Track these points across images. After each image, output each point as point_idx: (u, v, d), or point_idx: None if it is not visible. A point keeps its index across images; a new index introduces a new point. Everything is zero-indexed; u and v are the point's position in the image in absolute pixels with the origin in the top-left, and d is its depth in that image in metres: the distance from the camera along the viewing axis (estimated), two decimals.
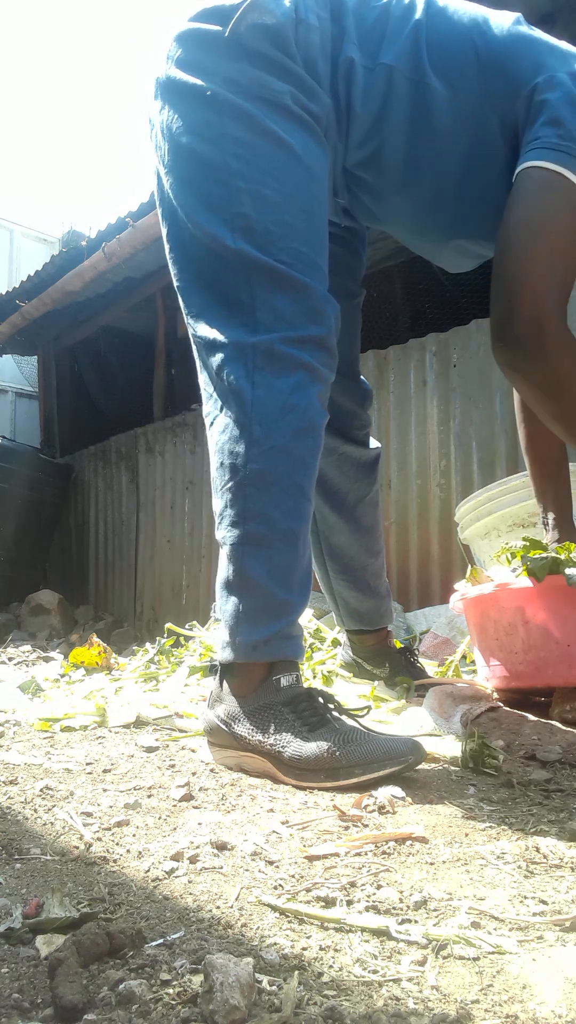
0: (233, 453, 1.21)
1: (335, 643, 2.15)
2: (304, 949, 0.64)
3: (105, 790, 1.12)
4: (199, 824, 0.95)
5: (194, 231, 1.25)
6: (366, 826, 0.94)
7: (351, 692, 1.73)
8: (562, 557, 1.43)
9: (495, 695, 1.61)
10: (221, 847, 0.87)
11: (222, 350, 1.22)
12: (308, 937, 0.66)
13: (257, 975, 0.59)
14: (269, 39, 1.22)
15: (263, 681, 1.20)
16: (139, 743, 1.41)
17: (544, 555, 1.45)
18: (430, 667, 1.94)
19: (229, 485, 1.21)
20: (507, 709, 1.50)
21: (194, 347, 1.29)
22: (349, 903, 0.72)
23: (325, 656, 2.04)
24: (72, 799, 1.07)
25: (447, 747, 1.26)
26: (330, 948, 0.64)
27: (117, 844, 0.89)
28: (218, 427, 1.24)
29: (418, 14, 1.30)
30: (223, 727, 1.22)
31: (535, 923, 0.68)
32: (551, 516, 1.64)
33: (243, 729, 1.19)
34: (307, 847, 0.86)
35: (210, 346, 1.24)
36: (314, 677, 1.86)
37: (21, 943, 0.65)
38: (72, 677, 2.42)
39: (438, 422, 3.61)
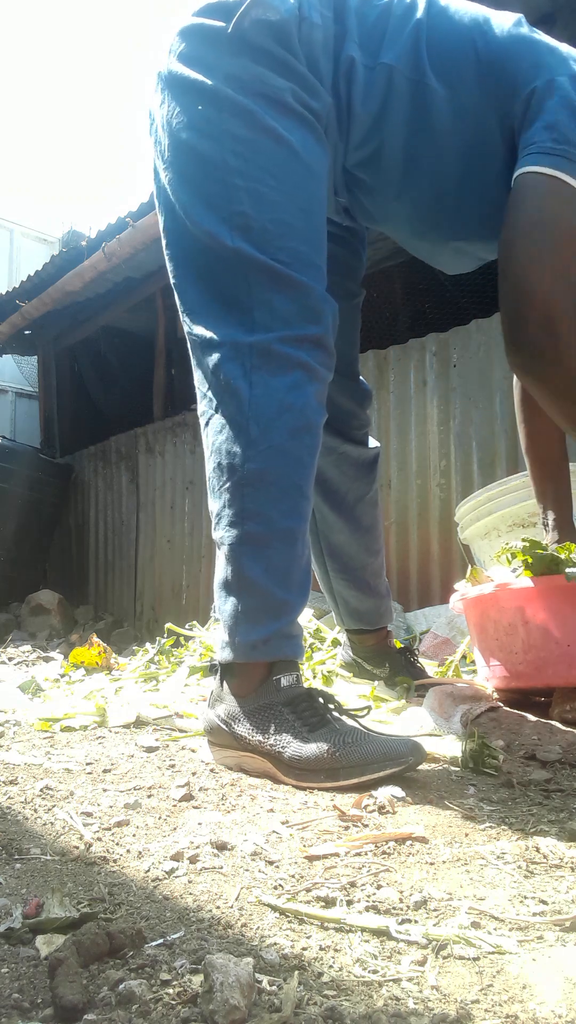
0: (230, 453, 1.20)
1: (335, 643, 2.15)
2: (304, 949, 0.64)
3: (105, 790, 1.12)
4: (199, 824, 0.95)
5: (192, 228, 1.24)
6: (366, 826, 0.94)
7: (351, 692, 1.73)
8: (562, 557, 1.43)
9: (495, 695, 1.61)
10: (221, 847, 0.87)
11: (218, 349, 1.22)
12: (308, 937, 0.66)
13: (257, 975, 0.59)
14: (272, 36, 1.22)
15: (263, 681, 1.20)
16: (139, 743, 1.41)
17: (544, 553, 1.45)
18: (430, 667, 1.94)
19: (227, 485, 1.21)
20: (507, 709, 1.50)
21: (189, 344, 1.29)
22: (349, 903, 0.72)
23: (325, 656, 2.04)
24: (72, 799, 1.07)
25: (447, 747, 1.26)
26: (330, 948, 0.64)
27: (117, 844, 0.89)
28: (214, 427, 1.24)
29: (419, 13, 1.30)
30: (223, 727, 1.22)
31: (535, 923, 0.68)
32: (551, 517, 1.64)
33: (243, 729, 1.19)
34: (307, 847, 0.86)
35: (206, 345, 1.24)
36: (314, 677, 1.86)
37: (21, 943, 0.65)
38: (72, 677, 2.42)
39: (438, 422, 3.61)
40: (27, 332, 6.71)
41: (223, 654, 1.23)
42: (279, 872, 0.80)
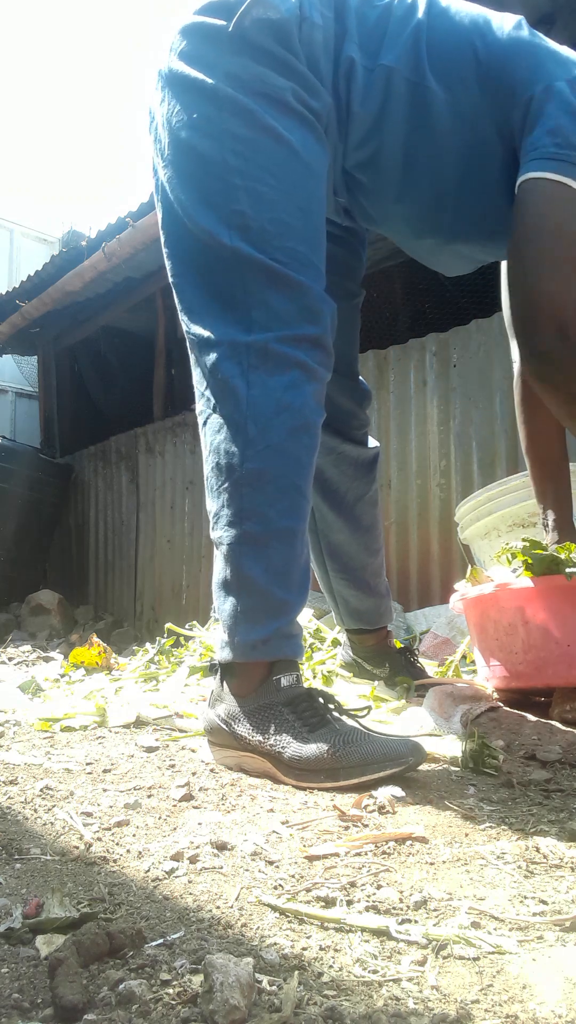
0: (228, 453, 1.20)
1: (335, 643, 2.15)
2: (304, 949, 0.64)
3: (105, 790, 1.12)
4: (199, 824, 0.95)
5: (190, 226, 1.24)
6: (366, 826, 0.94)
7: (351, 692, 1.73)
8: (562, 557, 1.43)
9: (495, 695, 1.61)
10: (221, 847, 0.87)
11: (216, 348, 1.22)
12: (308, 937, 0.66)
13: (257, 975, 0.59)
14: (272, 35, 1.22)
15: (263, 681, 1.20)
16: (139, 743, 1.41)
17: (544, 554, 1.45)
18: (430, 667, 1.94)
19: (225, 485, 1.21)
20: (507, 709, 1.50)
21: (188, 343, 1.29)
22: (349, 903, 0.72)
23: (325, 656, 2.04)
24: (72, 799, 1.07)
25: (447, 747, 1.26)
26: (330, 948, 0.64)
27: (117, 844, 0.89)
28: (212, 426, 1.24)
29: (419, 14, 1.30)
30: (223, 727, 1.22)
31: (535, 923, 0.68)
32: (551, 517, 1.64)
33: (243, 729, 1.19)
34: (307, 847, 0.86)
35: (204, 344, 1.24)
36: (314, 677, 1.86)
37: (21, 943, 0.65)
38: (72, 677, 2.42)
39: (438, 422, 3.61)
40: (35, 330, 6.70)
41: (222, 654, 1.23)
42: (279, 872, 0.80)
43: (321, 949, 0.64)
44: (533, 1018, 0.53)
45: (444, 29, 1.30)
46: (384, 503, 3.68)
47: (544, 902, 0.72)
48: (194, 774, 1.20)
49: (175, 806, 1.04)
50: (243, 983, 0.54)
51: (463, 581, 1.65)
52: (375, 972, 0.60)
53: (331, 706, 1.19)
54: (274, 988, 0.57)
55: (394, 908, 0.71)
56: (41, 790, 1.11)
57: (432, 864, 0.82)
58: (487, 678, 1.61)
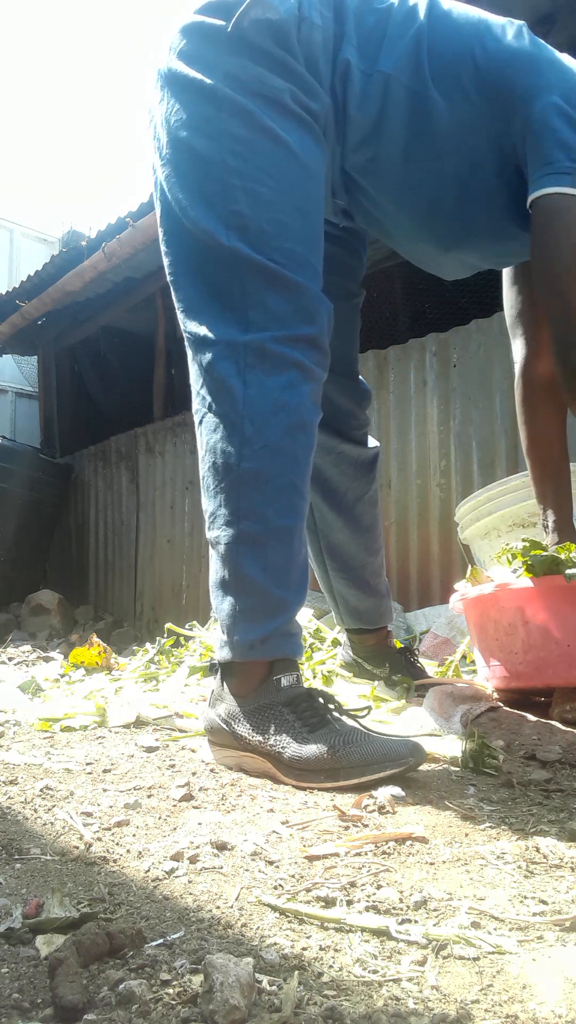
0: (225, 452, 1.20)
1: (335, 643, 2.15)
2: (304, 949, 0.64)
3: (105, 790, 1.12)
4: (199, 824, 0.95)
5: (188, 225, 1.25)
6: (366, 826, 0.94)
7: (351, 692, 1.73)
8: (562, 557, 1.43)
9: (495, 695, 1.61)
10: (221, 847, 0.87)
11: (213, 347, 1.22)
12: (308, 937, 0.66)
13: (257, 975, 0.59)
14: (271, 36, 1.22)
15: (263, 681, 1.20)
16: (139, 743, 1.41)
17: (544, 554, 1.45)
18: (430, 667, 1.94)
19: (222, 485, 1.21)
20: (507, 709, 1.50)
21: (185, 341, 1.29)
22: (349, 903, 0.72)
23: (325, 656, 2.04)
24: (72, 799, 1.07)
25: (447, 747, 1.26)
26: (330, 948, 0.64)
27: (117, 844, 0.89)
28: (208, 426, 1.24)
29: (420, 19, 1.30)
30: (224, 726, 1.22)
31: (535, 923, 0.68)
32: (551, 518, 1.64)
33: (243, 729, 1.19)
34: (307, 847, 0.86)
35: (201, 343, 1.24)
36: (314, 677, 1.86)
37: (21, 943, 0.65)
38: (72, 677, 2.42)
39: (438, 422, 3.61)
40: (27, 332, 6.70)
41: (222, 653, 1.23)
42: (279, 872, 0.80)
43: (321, 949, 0.64)
44: (533, 1018, 0.53)
45: (445, 36, 1.30)
46: (384, 503, 3.68)
47: (544, 902, 0.72)
48: (194, 774, 1.20)
49: (175, 806, 1.04)
50: (243, 983, 0.54)
51: (463, 581, 1.65)
52: (375, 972, 0.60)
53: (331, 706, 1.19)
54: (274, 988, 0.57)
55: (394, 908, 0.71)
56: (41, 790, 1.11)
57: (432, 864, 0.82)
58: (487, 678, 1.61)
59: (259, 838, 0.89)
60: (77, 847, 0.88)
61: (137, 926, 0.65)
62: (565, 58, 1.35)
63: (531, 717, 1.44)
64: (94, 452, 6.24)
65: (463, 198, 1.36)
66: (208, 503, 1.24)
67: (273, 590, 1.20)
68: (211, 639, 2.29)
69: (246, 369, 1.19)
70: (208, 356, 1.22)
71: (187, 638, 2.55)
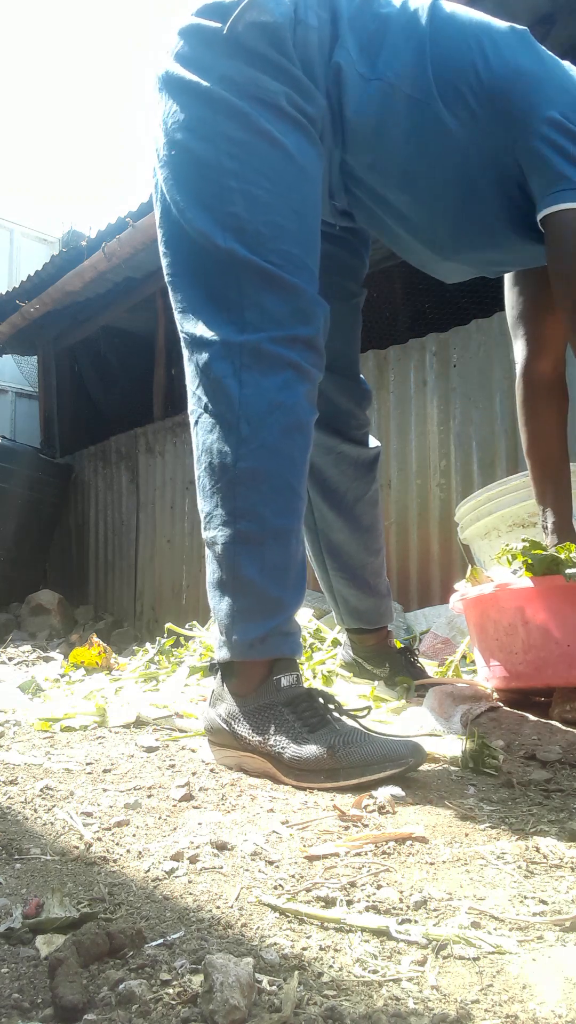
0: (221, 452, 1.21)
1: (335, 643, 2.15)
2: (304, 949, 0.64)
3: (105, 790, 1.12)
4: (199, 824, 0.95)
5: (186, 227, 1.25)
6: (366, 826, 0.94)
7: (351, 692, 1.73)
8: (562, 557, 1.43)
9: (495, 695, 1.61)
10: (221, 847, 0.87)
11: (209, 348, 1.22)
12: (308, 937, 0.66)
13: (257, 975, 0.59)
14: (266, 38, 1.22)
15: (263, 681, 1.20)
16: (139, 743, 1.41)
17: (544, 554, 1.45)
18: (430, 667, 1.94)
19: (218, 485, 1.21)
20: (507, 709, 1.50)
21: (181, 341, 1.29)
22: (349, 903, 0.72)
23: (325, 656, 2.04)
24: (72, 799, 1.07)
25: (447, 747, 1.26)
26: (330, 948, 0.64)
27: (117, 844, 0.89)
28: (204, 426, 1.24)
29: (423, 24, 1.29)
30: (224, 726, 1.22)
31: (535, 923, 0.68)
32: (550, 519, 1.64)
33: (243, 729, 1.19)
34: (307, 847, 0.87)
35: (197, 343, 1.24)
36: (314, 677, 1.86)
37: (21, 943, 0.65)
38: (72, 677, 2.42)
39: (438, 422, 3.61)
40: (27, 332, 6.69)
41: (221, 653, 1.24)
42: (279, 872, 0.80)
43: (321, 949, 0.64)
44: (533, 1018, 0.53)
45: (447, 45, 1.29)
46: (384, 503, 3.67)
47: (544, 902, 0.72)
48: (194, 774, 1.20)
49: (175, 806, 1.04)
50: (243, 983, 0.54)
51: (463, 581, 1.65)
52: (375, 972, 0.60)
53: (331, 706, 1.19)
54: (274, 988, 0.57)
55: (394, 908, 0.71)
56: (41, 790, 1.11)
57: (432, 864, 0.82)
58: (487, 678, 1.61)
59: (259, 838, 0.89)
60: (77, 847, 0.88)
61: (137, 926, 0.65)
62: (566, 66, 1.34)
63: (531, 717, 1.44)
64: (94, 452, 6.24)
65: (463, 208, 1.36)
66: (204, 503, 1.24)
67: (271, 590, 1.20)
68: (211, 639, 2.29)
69: (242, 369, 1.19)
70: (204, 356, 1.22)
71: (187, 638, 2.55)
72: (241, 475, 1.19)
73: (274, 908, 0.72)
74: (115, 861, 0.84)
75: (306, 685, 1.36)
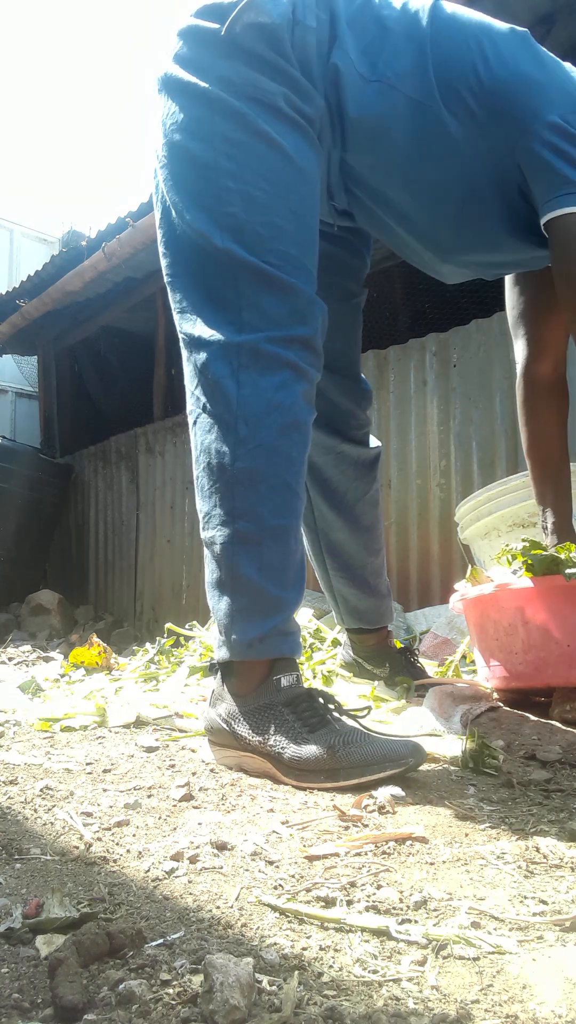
0: (219, 452, 1.21)
1: (335, 643, 2.15)
2: (304, 949, 0.64)
3: (105, 790, 1.12)
4: (199, 824, 0.95)
5: (184, 228, 1.25)
6: (366, 826, 0.94)
7: (351, 692, 1.73)
8: (562, 556, 1.43)
9: (495, 695, 1.61)
10: (221, 847, 0.87)
11: (207, 348, 1.22)
12: (308, 937, 0.66)
13: (257, 975, 0.59)
14: (264, 39, 1.22)
15: (263, 681, 1.20)
16: (139, 743, 1.41)
17: (544, 554, 1.45)
18: (430, 667, 1.94)
19: (217, 485, 1.22)
20: (507, 709, 1.50)
21: (180, 341, 1.30)
22: (349, 903, 0.72)
23: (325, 656, 2.04)
24: (72, 799, 1.07)
25: (447, 747, 1.26)
26: (330, 948, 0.64)
27: (117, 844, 0.89)
28: (202, 426, 1.24)
29: (423, 26, 1.29)
30: (224, 726, 1.22)
31: (535, 923, 0.68)
32: (550, 520, 1.64)
33: (243, 729, 1.19)
34: (307, 847, 0.87)
35: (195, 343, 1.25)
36: (314, 677, 1.86)
37: (21, 943, 0.65)
38: (72, 677, 2.42)
39: (438, 422, 3.61)
40: (27, 332, 6.69)
41: (220, 653, 1.24)
42: (279, 872, 0.80)
43: (321, 949, 0.64)
44: (533, 1018, 0.53)
45: (447, 45, 1.29)
46: (384, 503, 3.67)
47: (544, 902, 0.72)
48: (194, 774, 1.20)
49: (175, 806, 1.04)
50: (243, 983, 0.54)
51: (463, 581, 1.65)
52: (375, 972, 0.60)
53: (331, 706, 1.19)
54: (274, 988, 0.57)
55: (394, 908, 0.71)
56: (41, 790, 1.11)
57: (432, 864, 0.82)
58: (487, 678, 1.61)
59: (259, 838, 0.89)
60: (77, 847, 0.88)
61: (137, 926, 0.65)
62: (567, 67, 1.34)
63: (531, 717, 1.44)
64: (94, 452, 6.24)
65: (463, 210, 1.36)
66: (203, 504, 1.25)
67: (270, 589, 1.20)
68: (211, 639, 2.29)
69: (240, 369, 1.20)
70: (202, 357, 1.23)
71: (187, 638, 2.55)
72: (239, 475, 1.19)
73: (274, 908, 0.72)
74: (115, 861, 0.84)
75: (306, 685, 1.36)
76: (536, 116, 1.26)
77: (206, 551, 1.25)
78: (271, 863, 0.83)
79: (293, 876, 0.79)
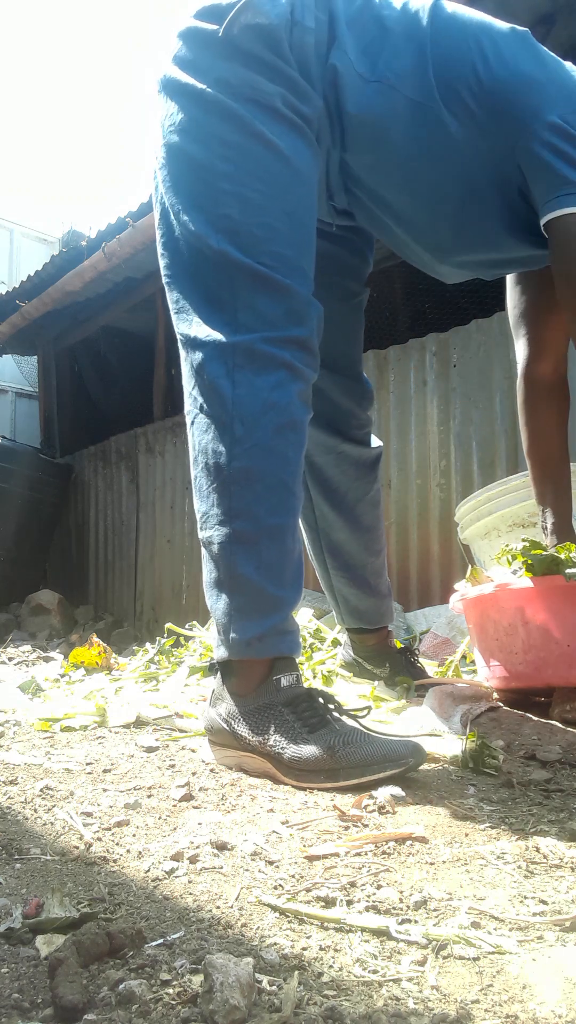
0: (216, 452, 1.21)
1: (335, 643, 2.15)
2: (304, 949, 0.64)
3: (105, 790, 1.12)
4: (199, 824, 0.95)
5: (181, 229, 1.26)
6: (366, 826, 0.94)
7: (351, 692, 1.73)
8: (562, 556, 1.43)
9: (495, 695, 1.61)
10: (221, 847, 0.87)
11: (203, 348, 1.23)
12: (308, 937, 0.66)
13: (257, 975, 0.59)
14: (262, 40, 1.22)
15: (263, 681, 1.20)
16: (139, 743, 1.41)
17: (544, 554, 1.45)
18: (430, 667, 1.94)
19: (214, 485, 1.22)
20: (507, 709, 1.50)
21: (178, 343, 1.30)
22: (349, 903, 0.72)
23: (325, 656, 2.04)
24: (72, 799, 1.08)
25: (447, 747, 1.26)
26: (330, 948, 0.64)
27: (117, 844, 0.89)
28: (199, 426, 1.25)
29: (423, 26, 1.29)
30: (224, 726, 1.22)
31: (535, 923, 0.68)
32: (550, 520, 1.64)
33: (243, 729, 1.19)
34: (307, 847, 0.87)
35: (191, 344, 1.25)
36: (314, 677, 1.86)
37: (21, 943, 0.65)
38: (72, 677, 2.42)
39: (438, 422, 3.61)
40: (27, 332, 6.69)
41: (219, 652, 1.24)
42: (279, 872, 0.80)
43: (321, 949, 0.64)
44: (533, 1018, 0.53)
45: (448, 45, 1.29)
46: (384, 503, 3.67)
47: (544, 902, 0.72)
48: (194, 774, 1.20)
49: (175, 806, 1.04)
50: (243, 983, 0.54)
51: (463, 581, 1.65)
52: (375, 972, 0.60)
53: (331, 706, 1.19)
54: (274, 988, 0.57)
55: (394, 908, 0.71)
56: (41, 790, 1.11)
57: (432, 864, 0.82)
58: (487, 678, 1.61)
59: (259, 838, 0.89)
60: (77, 847, 0.88)
61: (137, 926, 0.65)
62: (569, 67, 1.34)
63: (531, 717, 1.44)
64: (94, 452, 6.24)
65: (463, 210, 1.36)
66: (200, 504, 1.25)
67: (268, 588, 1.20)
68: (211, 639, 2.29)
69: (235, 370, 1.20)
70: (199, 357, 1.23)
71: (187, 638, 2.55)
72: (235, 474, 1.20)
73: (274, 908, 0.72)
74: (115, 861, 0.84)
75: (306, 685, 1.36)
76: (536, 116, 1.26)
77: (204, 551, 1.26)
78: (271, 863, 0.83)
79: (293, 876, 0.79)
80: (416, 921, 0.69)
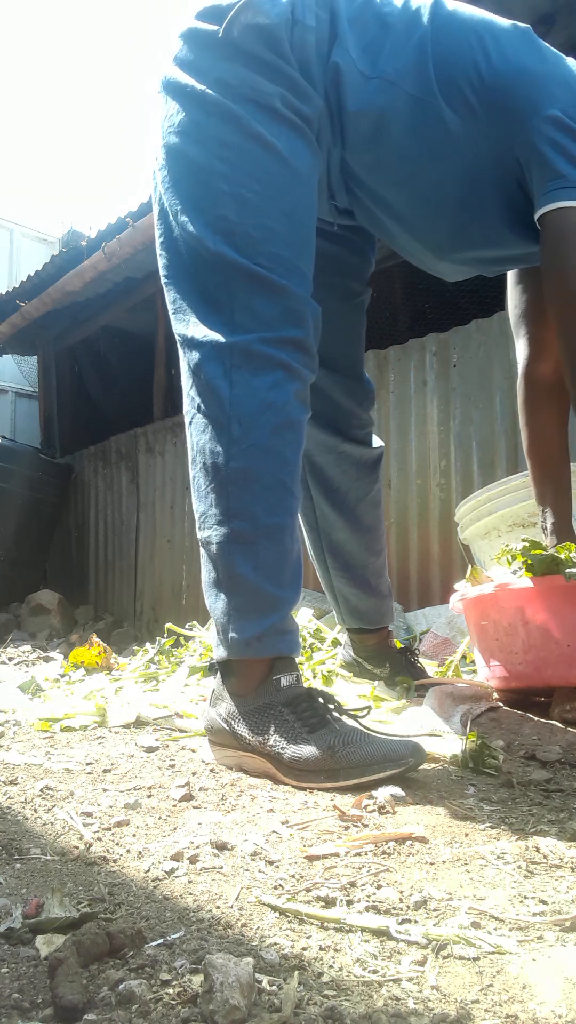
0: (214, 452, 1.21)
1: (335, 643, 2.15)
2: (304, 949, 0.64)
3: (105, 790, 1.12)
4: (199, 824, 0.95)
5: (179, 229, 1.26)
6: (366, 826, 0.94)
7: (351, 692, 1.73)
8: (562, 556, 1.42)
9: (495, 695, 1.61)
10: (221, 847, 0.87)
11: (200, 348, 1.23)
12: (308, 937, 0.66)
13: (257, 975, 0.59)
14: (262, 40, 1.22)
15: (263, 680, 1.20)
16: (139, 743, 1.41)
17: (544, 554, 1.45)
18: (430, 667, 1.94)
19: (212, 485, 1.22)
20: (507, 709, 1.50)
21: (177, 343, 1.30)
22: (349, 903, 0.72)
23: (325, 656, 2.04)
24: (72, 799, 1.07)
25: (447, 747, 1.26)
26: (330, 948, 0.64)
27: (117, 844, 0.89)
28: (197, 427, 1.25)
29: (424, 23, 1.29)
30: (224, 726, 1.22)
31: (535, 923, 0.68)
32: (549, 520, 1.64)
33: (243, 729, 1.19)
34: (307, 847, 0.86)
35: (189, 344, 1.25)
36: (314, 677, 1.86)
37: (21, 943, 0.65)
38: (72, 677, 2.42)
39: (438, 422, 3.61)
40: (27, 332, 6.69)
41: (218, 652, 1.24)
42: (279, 872, 0.80)
43: (321, 949, 0.64)
44: (533, 1018, 0.53)
45: (448, 42, 1.29)
46: (384, 503, 3.67)
47: (544, 902, 0.72)
48: (194, 774, 1.20)
49: (175, 806, 1.04)
50: (243, 983, 0.54)
51: (463, 581, 1.65)
52: (375, 972, 0.60)
53: (331, 706, 1.19)
54: (274, 988, 0.57)
55: (394, 908, 0.71)
56: (41, 790, 1.11)
57: (432, 864, 0.82)
58: (487, 678, 1.61)
59: (259, 838, 0.89)
60: (77, 847, 0.88)
61: (137, 926, 0.65)
62: (570, 62, 1.34)
63: (531, 717, 1.44)
64: (94, 452, 6.25)
65: (463, 207, 1.36)
66: (199, 504, 1.25)
67: (266, 587, 1.20)
68: (211, 639, 2.29)
69: (232, 370, 1.20)
70: (196, 357, 1.23)
71: (187, 638, 2.55)
72: (233, 474, 1.20)
73: (274, 908, 0.72)
74: (115, 861, 0.84)
75: (306, 685, 1.36)
76: (536, 110, 1.26)
77: (203, 551, 1.26)
78: (271, 863, 0.83)
79: (293, 876, 0.79)
80: (416, 921, 0.69)
